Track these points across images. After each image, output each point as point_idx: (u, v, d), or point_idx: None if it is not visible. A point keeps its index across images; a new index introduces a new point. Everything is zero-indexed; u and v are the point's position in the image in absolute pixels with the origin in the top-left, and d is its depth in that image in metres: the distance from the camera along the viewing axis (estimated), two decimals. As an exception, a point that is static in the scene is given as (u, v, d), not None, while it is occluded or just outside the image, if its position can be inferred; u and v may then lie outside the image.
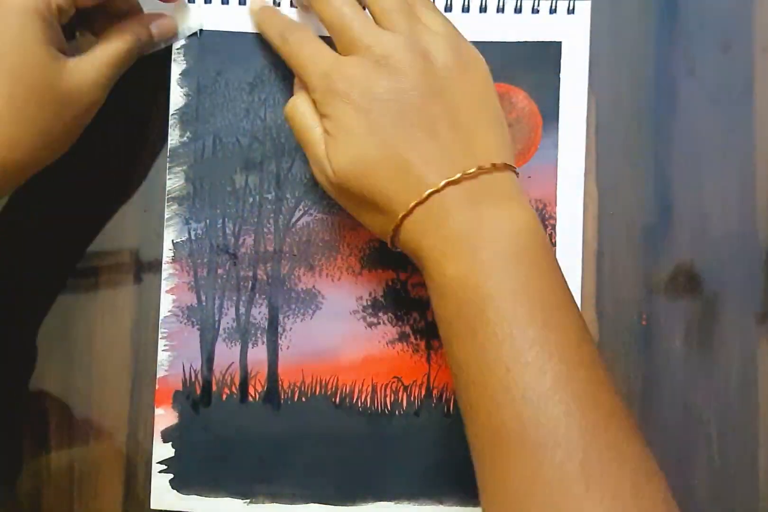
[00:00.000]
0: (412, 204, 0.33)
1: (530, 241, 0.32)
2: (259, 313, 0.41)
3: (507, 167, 0.34)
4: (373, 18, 0.35)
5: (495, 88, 0.35)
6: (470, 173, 0.32)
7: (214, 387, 0.40)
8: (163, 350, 0.40)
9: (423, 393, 0.40)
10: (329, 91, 0.34)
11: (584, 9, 0.40)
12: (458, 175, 0.32)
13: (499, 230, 0.32)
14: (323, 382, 0.40)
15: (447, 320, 0.33)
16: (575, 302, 0.33)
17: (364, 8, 0.35)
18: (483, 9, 0.40)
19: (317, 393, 0.40)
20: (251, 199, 0.41)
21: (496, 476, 0.30)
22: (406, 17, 0.34)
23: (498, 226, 0.32)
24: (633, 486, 0.28)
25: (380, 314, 0.41)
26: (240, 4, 0.40)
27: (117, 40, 0.37)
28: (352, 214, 0.37)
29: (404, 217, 0.33)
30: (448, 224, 0.32)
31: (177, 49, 0.40)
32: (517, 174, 0.35)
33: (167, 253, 0.40)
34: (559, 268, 0.33)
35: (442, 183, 0.32)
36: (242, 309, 0.41)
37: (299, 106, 0.36)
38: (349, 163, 0.34)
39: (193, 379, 0.40)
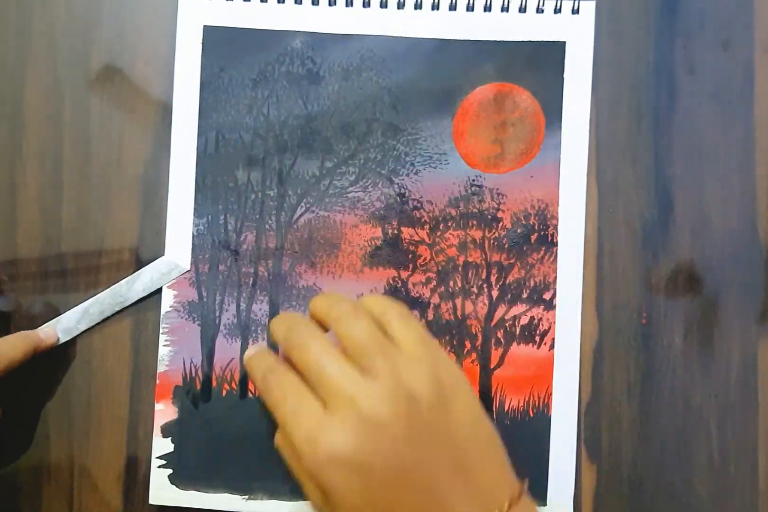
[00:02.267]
0: None
1: None
2: (260, 310, 0.41)
3: (520, 497, 0.31)
4: (349, 354, 0.32)
5: (482, 410, 0.33)
6: None
7: (214, 383, 0.40)
8: (163, 345, 0.40)
9: (423, 391, 0.40)
10: (316, 460, 0.30)
11: (589, 9, 0.40)
12: None
13: None
14: (323, 379, 0.40)
15: None
16: None
17: None
18: (487, 8, 0.40)
19: (317, 390, 0.40)
20: (253, 196, 0.41)
21: None
22: (381, 354, 0.32)
23: None
24: None
25: (381, 312, 0.41)
26: (244, 0, 0.41)
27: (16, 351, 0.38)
28: None
29: None
30: None
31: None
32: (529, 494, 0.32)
33: (169, 249, 0.41)
34: None
35: None
36: (243, 306, 0.41)
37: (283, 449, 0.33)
38: None
39: (193, 375, 0.40)
